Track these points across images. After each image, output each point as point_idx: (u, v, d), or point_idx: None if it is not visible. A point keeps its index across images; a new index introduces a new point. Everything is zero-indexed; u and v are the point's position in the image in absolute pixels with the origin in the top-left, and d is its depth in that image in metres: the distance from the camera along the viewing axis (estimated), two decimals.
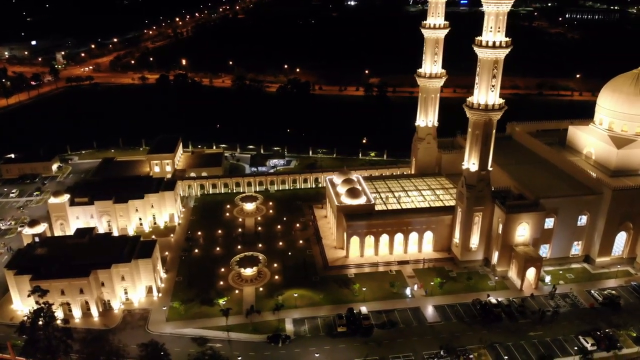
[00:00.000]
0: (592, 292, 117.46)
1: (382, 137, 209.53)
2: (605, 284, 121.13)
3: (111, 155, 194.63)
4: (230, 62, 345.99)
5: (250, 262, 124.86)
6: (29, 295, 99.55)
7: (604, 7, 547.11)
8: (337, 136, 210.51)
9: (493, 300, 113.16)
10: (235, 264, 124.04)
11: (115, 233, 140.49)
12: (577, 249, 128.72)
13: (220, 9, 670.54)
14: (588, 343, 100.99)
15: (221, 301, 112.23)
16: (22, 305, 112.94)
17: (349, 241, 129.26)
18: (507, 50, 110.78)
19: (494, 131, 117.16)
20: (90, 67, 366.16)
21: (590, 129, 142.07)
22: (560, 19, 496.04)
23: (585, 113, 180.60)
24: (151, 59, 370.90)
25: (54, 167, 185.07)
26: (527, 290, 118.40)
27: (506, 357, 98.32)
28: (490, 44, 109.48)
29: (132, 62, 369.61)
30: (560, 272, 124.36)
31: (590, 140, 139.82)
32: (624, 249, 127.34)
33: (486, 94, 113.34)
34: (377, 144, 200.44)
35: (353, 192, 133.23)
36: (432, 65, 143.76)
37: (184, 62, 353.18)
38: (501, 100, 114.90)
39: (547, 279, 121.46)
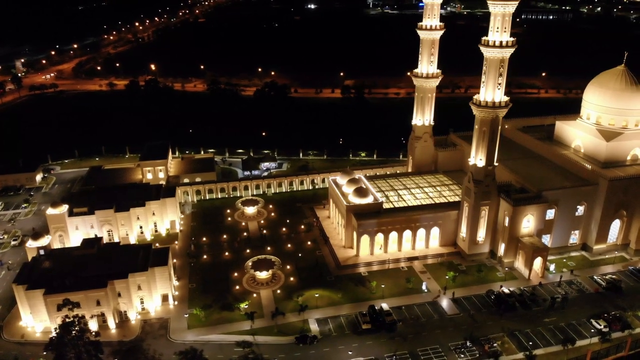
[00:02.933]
0: (595, 277, 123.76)
1: (368, 137, 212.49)
2: (605, 270, 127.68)
3: (96, 163, 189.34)
4: (202, 67, 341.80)
5: (265, 265, 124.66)
6: (59, 309, 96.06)
7: (556, 7, 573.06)
8: (317, 137, 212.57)
9: (506, 291, 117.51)
10: (250, 267, 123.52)
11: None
12: (574, 238, 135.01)
13: (180, 13, 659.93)
14: (601, 325, 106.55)
15: (243, 305, 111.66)
16: (33, 321, 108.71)
17: (360, 240, 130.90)
18: (512, 50, 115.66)
19: (499, 127, 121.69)
20: (52, 74, 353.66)
21: (578, 124, 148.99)
22: (517, 19, 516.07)
23: (554, 109, 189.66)
24: (117, 64, 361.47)
25: (38, 177, 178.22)
26: (535, 279, 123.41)
27: (530, 343, 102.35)
28: (497, 43, 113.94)
29: (99, 68, 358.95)
30: (564, 260, 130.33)
31: (579, 134, 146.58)
32: (618, 236, 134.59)
33: (493, 91, 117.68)
34: (363, 144, 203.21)
35: (360, 192, 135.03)
36: (428, 65, 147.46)
37: (152, 67, 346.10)
38: (506, 98, 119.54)
39: (552, 267, 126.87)
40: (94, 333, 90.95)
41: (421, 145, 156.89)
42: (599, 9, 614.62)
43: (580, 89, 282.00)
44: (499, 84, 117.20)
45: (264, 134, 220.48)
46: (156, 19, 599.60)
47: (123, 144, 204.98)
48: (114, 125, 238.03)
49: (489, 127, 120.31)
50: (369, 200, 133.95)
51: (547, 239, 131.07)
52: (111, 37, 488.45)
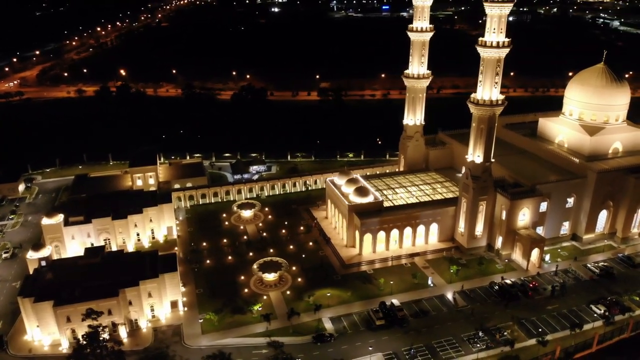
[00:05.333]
0: (589, 265, 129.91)
1: (350, 139, 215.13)
2: (596, 258, 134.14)
3: (79, 172, 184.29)
4: (174, 71, 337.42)
5: (271, 267, 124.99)
6: (83, 320, 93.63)
7: (514, 8, 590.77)
8: (300, 139, 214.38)
9: (508, 281, 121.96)
10: (258, 269, 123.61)
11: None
12: (564, 229, 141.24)
13: (142, 17, 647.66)
14: (601, 310, 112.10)
15: (256, 308, 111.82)
16: (40, 334, 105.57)
17: (362, 239, 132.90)
18: (508, 50, 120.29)
19: (496, 125, 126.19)
20: (16, 82, 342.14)
21: (561, 120, 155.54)
22: (480, 21, 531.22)
23: (527, 107, 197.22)
24: (84, 70, 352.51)
25: (21, 187, 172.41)
26: (533, 269, 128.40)
27: (539, 330, 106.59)
28: (494, 44, 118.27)
29: (65, 74, 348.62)
30: (559, 250, 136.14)
31: (562, 130, 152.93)
32: (605, 226, 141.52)
33: (490, 90, 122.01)
34: (346, 145, 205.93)
35: (361, 191, 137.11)
36: (419, 66, 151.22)
37: (123, 72, 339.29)
38: (502, 96, 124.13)
39: (547, 257, 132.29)
40: (117, 342, 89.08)
41: (413, 145, 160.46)
42: (555, 9, 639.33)
43: (545, 87, 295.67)
44: (496, 83, 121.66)
45: (241, 138, 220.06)
46: (118, 23, 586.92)
47: (104, 151, 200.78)
48: (93, 132, 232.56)
49: (487, 125, 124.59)
50: (369, 199, 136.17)
51: (540, 231, 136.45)
52: (73, 43, 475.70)
